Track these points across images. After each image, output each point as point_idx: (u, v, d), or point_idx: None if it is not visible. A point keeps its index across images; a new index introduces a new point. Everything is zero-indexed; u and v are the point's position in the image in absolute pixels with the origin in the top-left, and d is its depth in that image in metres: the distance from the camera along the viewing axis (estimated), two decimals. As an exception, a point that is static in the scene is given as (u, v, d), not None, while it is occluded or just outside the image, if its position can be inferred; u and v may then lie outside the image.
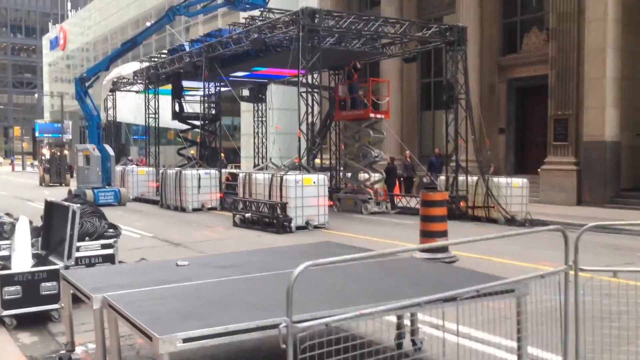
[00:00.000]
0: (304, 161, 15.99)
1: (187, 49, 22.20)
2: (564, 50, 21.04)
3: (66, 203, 7.14)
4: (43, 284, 6.64)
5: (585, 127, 20.55)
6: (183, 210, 19.05)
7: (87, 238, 7.75)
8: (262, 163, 27.77)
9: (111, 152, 22.24)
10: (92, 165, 21.44)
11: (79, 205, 6.89)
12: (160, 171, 20.82)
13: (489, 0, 24.91)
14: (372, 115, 19.03)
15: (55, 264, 6.82)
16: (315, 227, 14.21)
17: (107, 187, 21.87)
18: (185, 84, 24.57)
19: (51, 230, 7.68)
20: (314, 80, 16.37)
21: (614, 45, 19.83)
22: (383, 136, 19.65)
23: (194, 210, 18.97)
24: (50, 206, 7.78)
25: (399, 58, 23.37)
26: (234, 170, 25.72)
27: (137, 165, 27.62)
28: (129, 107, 29.99)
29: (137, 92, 29.77)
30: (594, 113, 20.24)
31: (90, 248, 7.66)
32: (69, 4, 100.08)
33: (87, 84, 22.19)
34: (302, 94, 15.84)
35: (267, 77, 24.47)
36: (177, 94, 24.48)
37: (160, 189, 20.63)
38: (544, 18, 23.39)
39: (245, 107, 31.50)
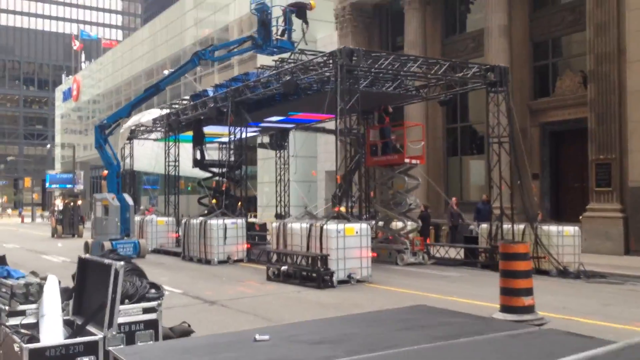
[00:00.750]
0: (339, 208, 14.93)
1: (211, 94, 21.46)
2: (604, 93, 20.14)
3: (106, 260, 6.06)
4: (79, 360, 5.51)
5: (630, 171, 19.49)
6: (208, 262, 17.92)
7: (126, 301, 6.63)
8: (283, 211, 26.74)
9: (130, 201, 21.26)
10: (111, 215, 20.42)
11: (122, 263, 5.81)
12: (183, 221, 19.77)
13: (519, 43, 24.23)
14: (407, 160, 18.07)
15: (93, 334, 5.72)
16: (358, 281, 13.03)
17: (125, 238, 20.81)
18: (206, 130, 23.81)
19: (84, 292, 6.59)
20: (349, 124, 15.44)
21: (658, 86, 18.94)
22: (418, 182, 18.61)
23: (220, 262, 17.83)
24: (84, 264, 6.72)
25: (424, 102, 22.63)
26: (255, 220, 24.65)
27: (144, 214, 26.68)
28: (146, 156, 29.15)
29: (155, 140, 29.00)
30: (639, 156, 19.21)
31: (131, 312, 6.53)
32: (83, 56, 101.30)
33: (107, 132, 21.37)
34: (341, 139, 14.93)
35: (301, 122, 23.60)
36: (199, 141, 23.68)
37: (183, 240, 19.54)
38: (578, 60, 22.66)
39: (263, 155, 30.58)
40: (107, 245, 19.90)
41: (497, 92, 16.29)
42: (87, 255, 6.83)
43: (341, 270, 12.78)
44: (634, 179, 19.33)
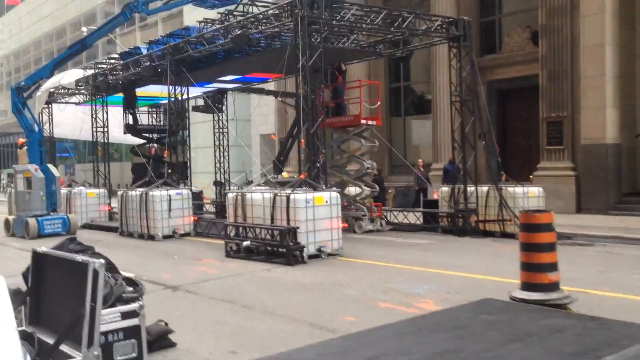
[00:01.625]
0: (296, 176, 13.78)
1: (144, 52, 19.51)
2: (556, 48, 19.68)
3: (79, 257, 4.64)
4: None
5: (583, 129, 19.24)
6: (151, 238, 16.35)
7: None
8: (223, 178, 25.25)
9: (56, 172, 19.20)
10: (35, 188, 18.35)
11: (102, 261, 4.42)
12: (119, 193, 17.98)
13: (465, -2, 23.46)
14: (363, 121, 16.99)
15: (66, 355, 4.35)
16: (329, 254, 11.95)
17: (52, 213, 18.82)
18: (138, 92, 21.88)
19: (43, 296, 5.17)
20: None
21: (613, 41, 18.60)
22: (375, 144, 17.62)
23: (165, 237, 16.31)
24: (41, 259, 5.27)
25: (365, 61, 21.69)
26: (195, 188, 22.99)
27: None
28: (68, 121, 26.74)
29: (77, 103, 26.61)
30: (592, 114, 18.94)
31: (106, 319, 5.16)
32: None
33: (25, 94, 19.11)
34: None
35: (247, 80, 22.00)
36: (130, 104, 21.75)
37: (120, 213, 17.80)
38: (526, 15, 22.12)
39: (201, 118, 28.76)
40: (32, 222, 17.98)
41: (461, 47, 15.36)
42: (45, 249, 5.37)
43: (311, 243, 11.64)
44: (587, 136, 19.10)
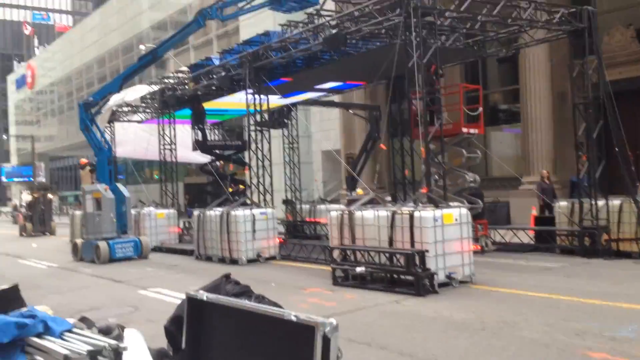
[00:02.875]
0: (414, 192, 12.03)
1: (217, 62, 18.15)
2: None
3: (287, 314, 2.98)
4: None
5: None
6: (234, 262, 14.79)
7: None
8: (293, 196, 23.66)
9: (126, 192, 17.91)
10: (105, 210, 17.05)
11: (333, 323, 2.76)
12: (195, 214, 16.52)
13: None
14: (464, 129, 15.15)
15: None
16: (460, 281, 10.13)
17: (123, 236, 17.51)
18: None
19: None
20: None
21: None
22: (478, 156, 15.73)
23: (250, 261, 14.72)
24: (199, 309, 3.64)
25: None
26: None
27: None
28: (130, 140, 25.63)
29: (139, 121, 25.49)
30: None
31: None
32: (36, 41, 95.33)
33: (93, 110, 17.94)
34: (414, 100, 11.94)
35: (344, 87, 20.44)
36: (200, 119, 20.38)
37: (196, 235, 16.31)
38: (629, 13, 20.08)
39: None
40: (103, 245, 16.67)
41: (586, 42, 13.48)
42: (205, 295, 3.72)
43: (440, 269, 9.84)
44: None
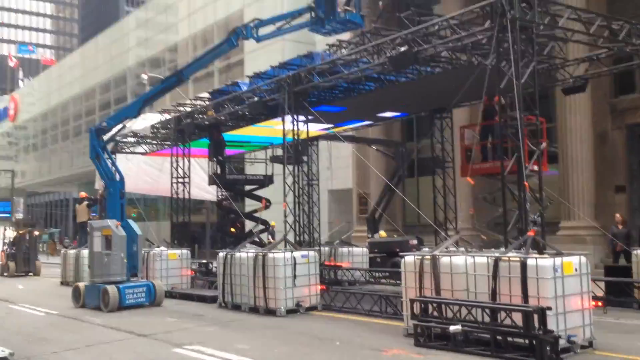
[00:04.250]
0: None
1: (244, 88, 16.50)
2: None
3: None
4: None
5: None
6: (270, 312, 12.83)
7: None
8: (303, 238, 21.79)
9: (138, 230, 15.92)
10: (116, 249, 15.03)
11: None
12: (221, 255, 14.57)
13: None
14: (529, 166, 13.55)
15: None
16: (582, 347, 8.31)
17: (133, 280, 15.47)
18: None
19: None
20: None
21: None
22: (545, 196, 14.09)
23: (288, 312, 12.77)
24: None
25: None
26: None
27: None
28: (133, 174, 23.67)
29: (144, 153, 23.63)
30: None
31: None
32: (21, 73, 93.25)
33: (106, 137, 16.09)
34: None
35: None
36: (219, 150, 18.61)
37: (222, 280, 14.33)
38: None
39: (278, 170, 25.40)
40: (112, 290, 14.62)
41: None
42: None
43: (561, 331, 8.04)
44: None
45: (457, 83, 11.46)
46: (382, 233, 22.68)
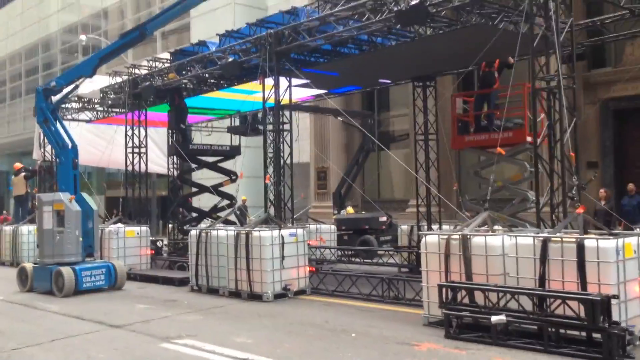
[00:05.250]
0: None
1: (213, 48, 14.87)
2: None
3: None
4: None
5: None
6: (255, 297, 11.51)
7: None
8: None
9: (93, 205, 14.18)
10: (70, 226, 13.27)
11: None
12: (193, 233, 13.07)
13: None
14: (529, 139, 12.71)
15: None
16: None
17: (89, 260, 13.79)
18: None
19: None
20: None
21: None
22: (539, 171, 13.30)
23: (276, 297, 11.48)
24: None
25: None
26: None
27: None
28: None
29: (88, 121, 21.54)
30: None
31: None
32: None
33: (55, 99, 14.18)
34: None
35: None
36: (181, 118, 16.94)
37: (195, 261, 12.86)
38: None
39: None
40: (67, 273, 12.92)
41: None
42: None
43: (622, 322, 7.13)
44: None
45: (455, 47, 10.38)
46: (350, 209, 21.62)
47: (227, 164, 18.58)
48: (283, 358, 7.28)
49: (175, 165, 21.48)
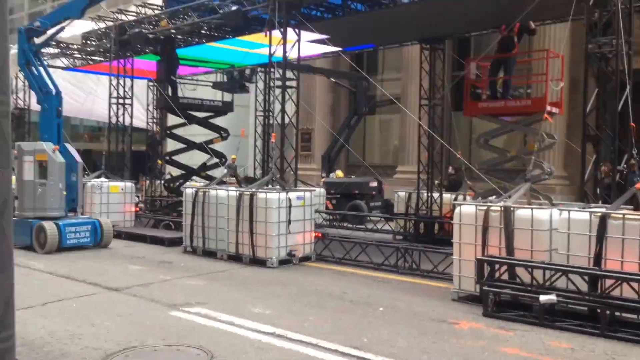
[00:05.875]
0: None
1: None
2: None
3: None
4: None
5: None
6: (258, 262, 10.78)
7: None
8: (254, 174, 19.76)
9: (77, 157, 13.18)
10: (53, 178, 12.28)
11: None
12: (188, 192, 12.20)
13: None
14: (548, 108, 12.12)
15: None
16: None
17: (73, 215, 12.84)
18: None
19: None
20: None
21: None
22: (555, 140, 12.80)
23: (281, 263, 10.77)
24: None
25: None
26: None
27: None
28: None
29: (65, 68, 20.22)
30: None
31: None
32: None
33: (38, 40, 12.99)
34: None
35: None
36: (171, 69, 15.88)
37: (190, 221, 12.02)
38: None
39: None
40: (50, 228, 11.99)
41: None
42: None
43: (682, 305, 6.63)
44: None
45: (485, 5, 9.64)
46: (339, 173, 20.92)
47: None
48: (314, 334, 6.58)
49: (155, 120, 20.48)
